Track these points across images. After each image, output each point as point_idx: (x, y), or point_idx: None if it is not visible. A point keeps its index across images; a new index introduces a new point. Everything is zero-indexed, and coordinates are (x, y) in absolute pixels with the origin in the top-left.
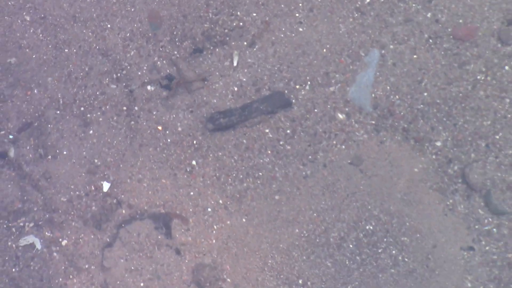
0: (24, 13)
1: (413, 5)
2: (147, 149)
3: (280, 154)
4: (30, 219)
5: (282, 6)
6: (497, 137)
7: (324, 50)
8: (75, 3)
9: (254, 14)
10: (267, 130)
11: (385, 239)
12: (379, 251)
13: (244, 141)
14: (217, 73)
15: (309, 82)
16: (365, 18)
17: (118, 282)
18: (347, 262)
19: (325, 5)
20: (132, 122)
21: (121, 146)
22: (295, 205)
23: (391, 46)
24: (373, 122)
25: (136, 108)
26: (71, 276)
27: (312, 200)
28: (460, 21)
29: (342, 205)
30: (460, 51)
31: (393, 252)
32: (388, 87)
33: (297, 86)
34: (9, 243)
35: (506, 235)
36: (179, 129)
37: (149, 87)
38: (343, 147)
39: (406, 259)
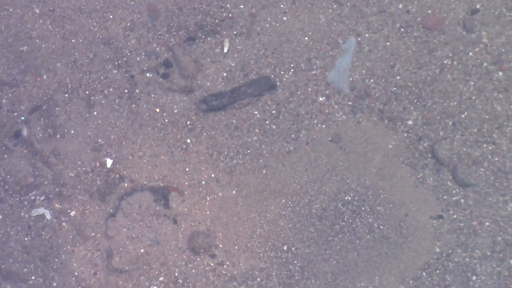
0: (34, 6)
1: None
2: (147, 129)
3: (267, 133)
4: (41, 192)
5: None
6: (463, 116)
7: (306, 38)
8: None
9: (242, 6)
10: (255, 112)
11: (362, 208)
12: (356, 220)
13: (234, 121)
14: (208, 59)
15: (292, 67)
16: (342, 9)
17: (120, 249)
18: (328, 230)
19: None
20: (133, 105)
21: (123, 126)
22: (281, 178)
23: (367, 35)
24: (350, 103)
25: (136, 91)
26: (78, 244)
27: (296, 174)
28: (429, 11)
29: (323, 179)
30: (428, 39)
31: (369, 220)
32: (364, 71)
33: (282, 72)
34: (22, 214)
35: (472, 204)
36: (175, 110)
37: (148, 74)
38: (324, 126)
39: (381, 227)
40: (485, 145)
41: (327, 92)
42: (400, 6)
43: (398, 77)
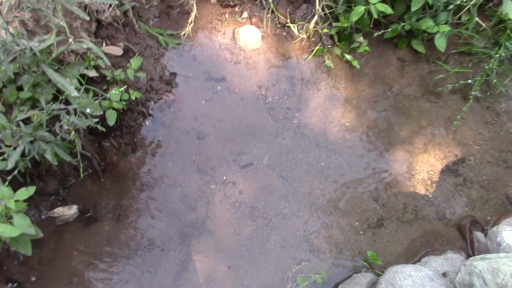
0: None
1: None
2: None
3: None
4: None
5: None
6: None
7: (262, 165)
8: None
9: (256, 153)
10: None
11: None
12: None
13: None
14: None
15: (255, 161)
16: (264, 153)
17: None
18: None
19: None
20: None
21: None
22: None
23: (268, 155)
24: (268, 163)
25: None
26: None
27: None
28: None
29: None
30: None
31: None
32: (267, 159)
33: (253, 162)
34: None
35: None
36: None
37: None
38: (264, 167)
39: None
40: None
41: (264, 160)
42: (277, 149)
43: (275, 161)
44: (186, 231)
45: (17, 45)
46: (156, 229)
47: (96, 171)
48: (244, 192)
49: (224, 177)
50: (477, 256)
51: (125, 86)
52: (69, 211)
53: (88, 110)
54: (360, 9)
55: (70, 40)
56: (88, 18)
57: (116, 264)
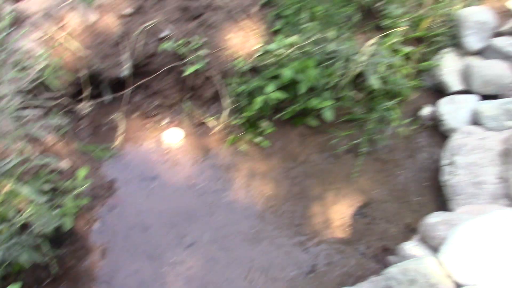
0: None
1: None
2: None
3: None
4: None
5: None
6: None
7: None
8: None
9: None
10: None
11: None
12: None
13: None
14: None
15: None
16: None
17: None
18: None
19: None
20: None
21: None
22: None
23: (207, 233)
24: (208, 241)
25: None
26: None
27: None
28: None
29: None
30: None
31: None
32: (207, 236)
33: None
34: None
35: None
36: None
37: None
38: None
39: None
40: None
41: (205, 238)
42: (213, 226)
43: (214, 236)
44: None
45: None
46: None
47: (56, 277)
48: (193, 267)
49: (173, 259)
50: (390, 267)
51: (88, 192)
52: None
53: (57, 211)
54: (259, 99)
55: (32, 158)
56: (51, 138)
57: None
